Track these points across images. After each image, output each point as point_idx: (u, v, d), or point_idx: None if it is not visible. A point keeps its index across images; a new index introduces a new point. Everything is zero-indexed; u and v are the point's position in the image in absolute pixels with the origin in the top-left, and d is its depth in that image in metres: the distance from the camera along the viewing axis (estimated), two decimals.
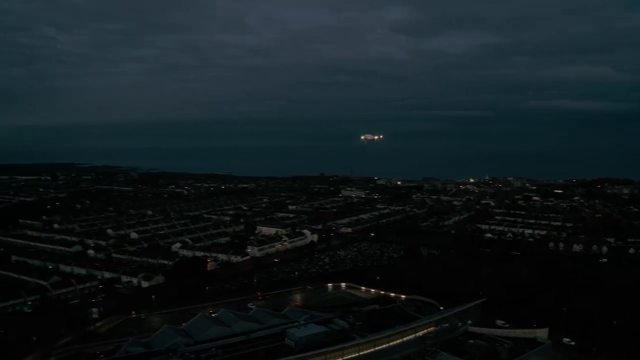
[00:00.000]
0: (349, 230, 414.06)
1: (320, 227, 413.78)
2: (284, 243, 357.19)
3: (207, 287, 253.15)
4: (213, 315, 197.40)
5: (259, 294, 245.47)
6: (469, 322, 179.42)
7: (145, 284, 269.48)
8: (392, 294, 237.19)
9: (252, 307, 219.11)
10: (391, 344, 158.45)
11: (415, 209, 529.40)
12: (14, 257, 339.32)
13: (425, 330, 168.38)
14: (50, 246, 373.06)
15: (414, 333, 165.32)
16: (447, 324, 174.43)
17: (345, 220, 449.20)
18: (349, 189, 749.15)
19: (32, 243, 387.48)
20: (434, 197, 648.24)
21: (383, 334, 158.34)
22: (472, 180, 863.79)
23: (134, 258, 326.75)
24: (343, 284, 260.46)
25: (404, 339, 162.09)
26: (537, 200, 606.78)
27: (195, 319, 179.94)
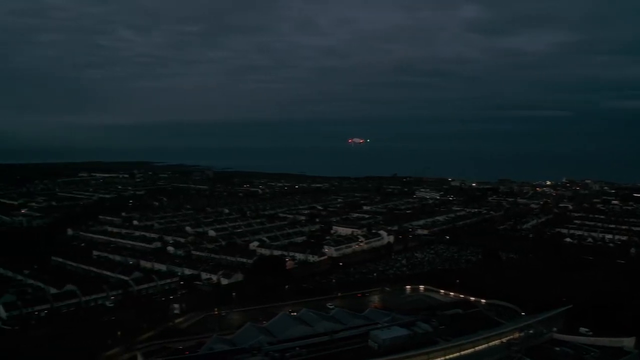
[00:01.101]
0: (425, 232, 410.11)
1: (395, 228, 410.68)
2: (361, 244, 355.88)
3: (286, 286, 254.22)
4: (293, 314, 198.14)
5: (339, 293, 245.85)
6: (554, 329, 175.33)
7: (224, 282, 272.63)
8: (472, 298, 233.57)
9: (331, 307, 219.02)
10: (477, 349, 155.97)
11: (491, 212, 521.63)
12: (95, 253, 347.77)
13: (511, 337, 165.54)
14: (131, 242, 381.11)
15: (500, 339, 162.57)
16: (531, 331, 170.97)
17: (421, 222, 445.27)
18: (422, 190, 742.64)
19: (112, 239, 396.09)
20: (510, 199, 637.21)
21: (469, 338, 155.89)
22: (548, 183, 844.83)
23: (212, 255, 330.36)
24: (421, 287, 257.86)
25: (490, 344, 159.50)
26: (616, 204, 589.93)
27: (278, 318, 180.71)
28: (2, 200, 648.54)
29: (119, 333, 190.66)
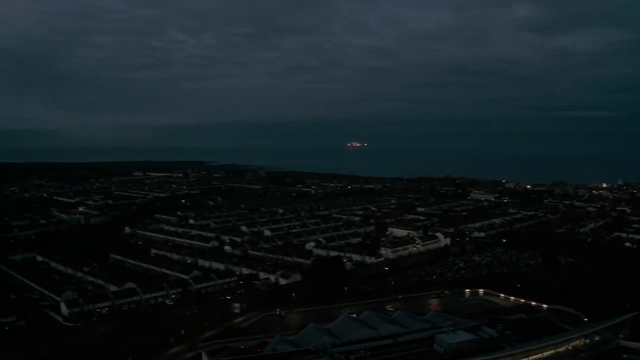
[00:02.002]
0: (482, 234, 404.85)
1: (451, 230, 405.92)
2: (417, 245, 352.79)
3: (345, 288, 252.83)
4: (353, 315, 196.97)
5: (399, 295, 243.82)
6: (620, 336, 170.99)
7: (282, 282, 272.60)
8: (533, 303, 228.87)
9: (390, 309, 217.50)
10: (544, 355, 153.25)
11: (548, 215, 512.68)
12: (153, 251, 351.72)
13: (578, 343, 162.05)
14: (188, 241, 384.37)
15: (567, 345, 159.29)
16: (597, 337, 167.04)
17: (477, 224, 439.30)
18: (476, 191, 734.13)
19: (169, 237, 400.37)
20: (566, 202, 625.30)
21: (535, 344, 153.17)
22: (604, 185, 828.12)
23: (269, 255, 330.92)
24: (481, 290, 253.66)
25: (557, 350, 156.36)
26: None
27: (341, 320, 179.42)
28: (59, 199, 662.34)
29: (182, 332, 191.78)
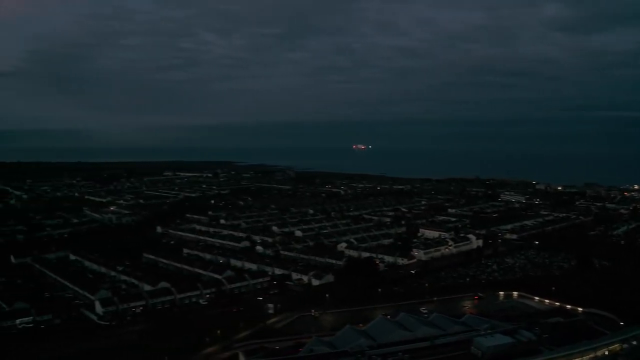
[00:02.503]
0: (514, 236, 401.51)
1: (483, 232, 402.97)
2: (449, 247, 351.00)
3: (378, 289, 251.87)
4: (387, 317, 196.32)
5: (434, 297, 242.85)
6: None
7: (315, 282, 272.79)
8: (568, 306, 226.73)
9: (424, 311, 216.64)
10: (583, 359, 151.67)
11: (580, 217, 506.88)
12: (185, 250, 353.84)
13: (615, 348, 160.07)
14: (219, 241, 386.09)
15: (606, 349, 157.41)
16: (635, 342, 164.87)
17: (509, 226, 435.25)
18: (507, 192, 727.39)
19: (201, 237, 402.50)
20: (598, 204, 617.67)
21: (575, 348, 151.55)
22: (636, 187, 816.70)
23: (301, 256, 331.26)
24: (515, 293, 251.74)
25: (596, 354, 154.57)
26: None
27: (377, 321, 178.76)
28: (91, 198, 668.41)
29: (218, 332, 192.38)
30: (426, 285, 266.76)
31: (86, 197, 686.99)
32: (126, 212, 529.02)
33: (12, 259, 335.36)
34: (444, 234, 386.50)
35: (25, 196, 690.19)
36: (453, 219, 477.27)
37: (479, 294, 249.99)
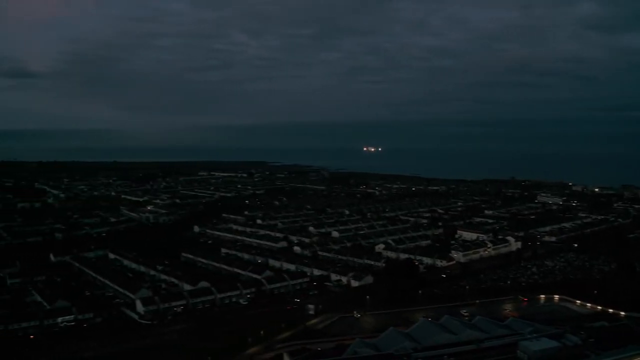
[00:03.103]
0: (553, 239, 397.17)
1: (521, 234, 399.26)
2: (488, 249, 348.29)
3: (419, 291, 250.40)
4: (429, 319, 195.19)
5: (477, 300, 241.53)
6: None
7: (354, 284, 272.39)
8: (610, 310, 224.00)
9: (465, 313, 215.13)
10: None
11: (619, 219, 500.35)
12: (223, 250, 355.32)
13: None
14: (257, 241, 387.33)
15: None
16: None
17: (547, 228, 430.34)
18: (543, 194, 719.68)
19: (238, 237, 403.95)
20: (636, 206, 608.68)
21: (622, 353, 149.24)
22: None
23: (339, 256, 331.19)
24: (556, 296, 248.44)
25: None
26: None
27: (421, 324, 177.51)
28: (127, 197, 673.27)
29: (261, 332, 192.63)
30: (466, 287, 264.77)
31: (122, 196, 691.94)
32: (163, 211, 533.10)
33: (52, 257, 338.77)
34: (482, 236, 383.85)
35: (62, 195, 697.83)
36: (490, 221, 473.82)
37: (527, 297, 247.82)
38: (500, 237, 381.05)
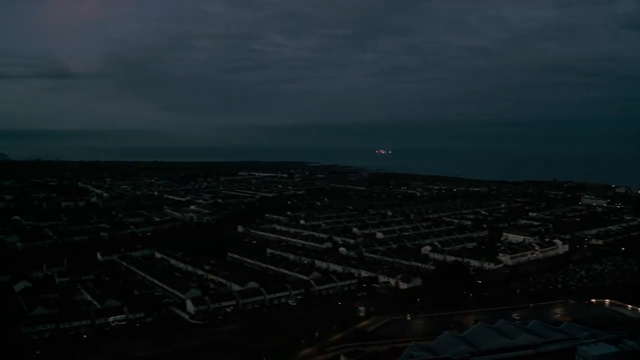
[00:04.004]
0: (600, 242, 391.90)
1: (567, 237, 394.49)
2: (535, 252, 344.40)
3: (470, 294, 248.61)
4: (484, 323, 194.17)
5: (530, 304, 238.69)
6: None
7: (403, 285, 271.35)
8: None
9: (517, 317, 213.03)
10: None
11: None
12: (268, 251, 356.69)
13: None
14: (301, 241, 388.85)
15: None
16: None
17: (593, 231, 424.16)
18: (587, 196, 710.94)
19: (282, 237, 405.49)
20: None
21: None
22: None
23: (385, 258, 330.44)
24: (607, 301, 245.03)
25: None
26: None
27: (477, 328, 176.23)
28: (170, 197, 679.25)
29: (316, 334, 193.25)
30: (518, 291, 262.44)
31: (165, 196, 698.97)
32: (206, 211, 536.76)
33: (99, 256, 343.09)
34: (528, 239, 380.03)
35: (105, 194, 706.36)
36: (535, 223, 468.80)
37: (570, 301, 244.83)
38: (546, 239, 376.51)
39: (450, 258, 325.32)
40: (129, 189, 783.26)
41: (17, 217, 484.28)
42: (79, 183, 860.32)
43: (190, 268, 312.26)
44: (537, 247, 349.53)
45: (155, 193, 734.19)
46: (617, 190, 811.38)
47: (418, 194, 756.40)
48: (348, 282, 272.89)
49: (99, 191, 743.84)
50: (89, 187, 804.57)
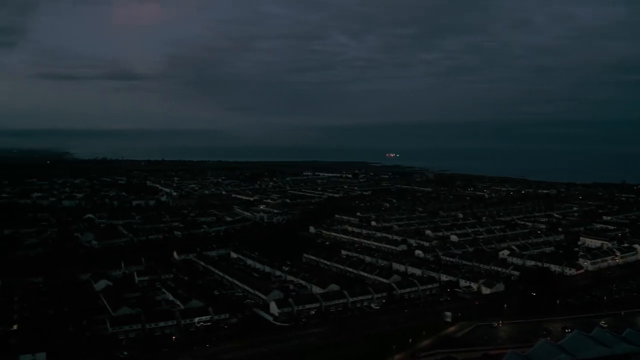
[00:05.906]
0: None
1: None
2: (616, 258, 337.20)
3: (556, 301, 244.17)
4: (567, 330, 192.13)
5: (622, 312, 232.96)
6: None
7: (485, 291, 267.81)
8: None
9: (604, 325, 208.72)
10: None
11: None
12: (343, 252, 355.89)
13: None
14: (375, 243, 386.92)
15: None
16: None
17: None
18: None
19: (355, 239, 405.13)
20: None
21: None
22: None
23: (463, 262, 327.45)
24: None
25: None
26: None
27: (573, 336, 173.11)
28: (238, 197, 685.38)
29: (409, 340, 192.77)
30: (604, 297, 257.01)
31: (233, 195, 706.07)
32: (276, 211, 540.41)
33: (175, 255, 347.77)
34: (607, 243, 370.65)
35: (175, 193, 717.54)
36: (611, 227, 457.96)
37: None
38: (625, 244, 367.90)
39: (529, 263, 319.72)
40: (197, 188, 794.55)
41: (91, 215, 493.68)
42: (147, 182, 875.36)
43: (267, 269, 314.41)
44: (617, 253, 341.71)
45: (223, 192, 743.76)
46: None
47: (486, 195, 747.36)
48: (430, 285, 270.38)
49: (167, 190, 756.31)
50: (157, 185, 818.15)
